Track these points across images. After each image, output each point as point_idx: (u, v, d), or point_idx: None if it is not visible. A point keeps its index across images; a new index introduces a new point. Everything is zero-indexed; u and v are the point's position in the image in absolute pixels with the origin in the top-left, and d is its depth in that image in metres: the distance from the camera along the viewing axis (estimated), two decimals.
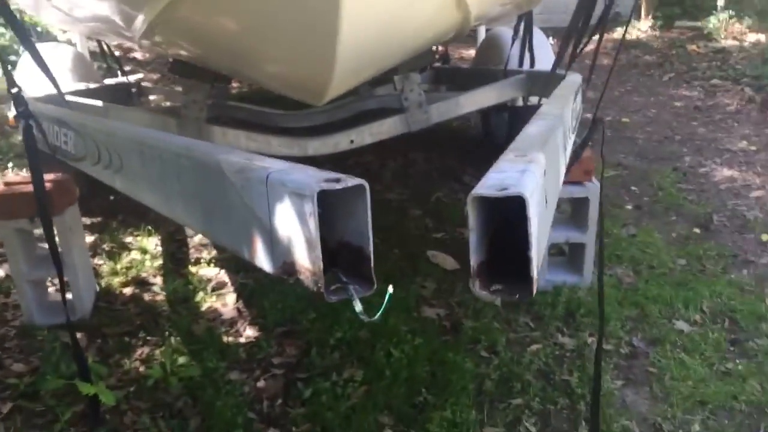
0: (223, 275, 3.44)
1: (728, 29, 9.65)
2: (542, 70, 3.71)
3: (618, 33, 10.46)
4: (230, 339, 2.90)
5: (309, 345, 2.82)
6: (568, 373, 2.68)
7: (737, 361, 2.77)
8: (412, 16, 2.09)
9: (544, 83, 3.55)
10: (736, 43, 9.06)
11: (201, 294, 3.24)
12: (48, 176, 2.93)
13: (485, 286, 1.07)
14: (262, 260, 1.16)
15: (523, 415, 2.46)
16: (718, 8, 10.16)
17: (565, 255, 3.48)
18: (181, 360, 2.66)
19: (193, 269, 3.51)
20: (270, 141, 3.31)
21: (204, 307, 3.15)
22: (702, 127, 5.95)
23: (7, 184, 2.89)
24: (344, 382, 2.55)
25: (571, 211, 3.42)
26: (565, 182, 3.18)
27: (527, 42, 4.01)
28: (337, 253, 1.13)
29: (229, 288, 3.32)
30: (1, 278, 3.42)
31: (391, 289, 1.14)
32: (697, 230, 4.03)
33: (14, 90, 1.88)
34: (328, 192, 1.00)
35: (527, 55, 4.04)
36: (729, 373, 2.70)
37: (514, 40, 4.09)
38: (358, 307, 1.12)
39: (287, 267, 1.11)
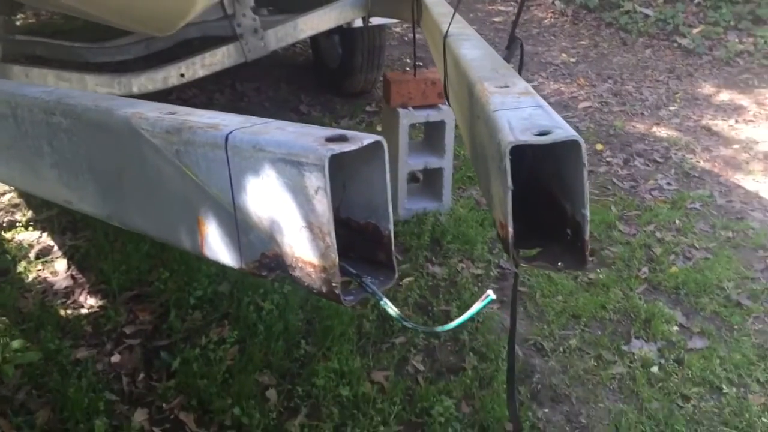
0: (46, 239, 2.99)
1: None
2: None
3: None
4: (69, 312, 2.52)
5: (165, 308, 2.53)
6: (446, 303, 2.62)
7: (597, 270, 2.86)
8: None
9: (388, 3, 3.35)
10: None
11: (23, 264, 2.79)
12: None
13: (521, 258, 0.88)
14: (219, 252, 0.85)
15: (409, 354, 2.37)
16: None
17: (419, 182, 3.39)
18: (15, 344, 2.25)
19: (7, 235, 3.01)
20: (85, 79, 2.87)
21: (30, 278, 2.72)
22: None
23: None
24: (214, 345, 2.31)
25: (425, 138, 3.31)
26: (419, 106, 3.07)
27: None
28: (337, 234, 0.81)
29: (57, 253, 2.89)
30: None
31: (492, 294, 0.86)
32: None
33: None
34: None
35: None
36: (593, 284, 2.77)
37: None
38: (393, 311, 0.85)
39: (268, 261, 0.83)
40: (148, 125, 0.77)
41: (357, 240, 0.80)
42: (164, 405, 2.11)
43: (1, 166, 1.02)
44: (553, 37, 6.38)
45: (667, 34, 6.08)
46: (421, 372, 2.29)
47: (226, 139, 0.77)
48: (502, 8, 7.29)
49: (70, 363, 2.24)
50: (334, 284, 0.78)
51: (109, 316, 2.48)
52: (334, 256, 0.76)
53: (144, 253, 2.77)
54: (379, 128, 4.23)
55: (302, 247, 0.77)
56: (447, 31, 1.70)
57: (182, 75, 3.11)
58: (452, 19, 1.76)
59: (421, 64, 5.64)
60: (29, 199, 3.29)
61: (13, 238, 2.99)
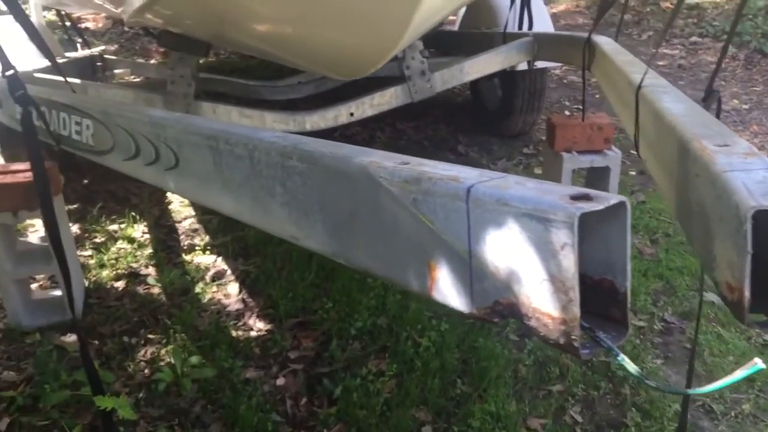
0: (221, 263, 3.21)
1: None
2: (555, 33, 3.53)
3: None
4: (240, 333, 2.69)
5: (326, 336, 2.63)
6: (605, 354, 2.54)
7: None
8: None
9: (555, 47, 3.37)
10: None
11: (200, 285, 3.01)
12: (30, 165, 2.66)
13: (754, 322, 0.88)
14: (449, 295, 0.89)
15: (566, 403, 2.32)
16: None
17: None
18: (193, 360, 2.44)
19: (187, 257, 3.27)
20: (264, 116, 3.09)
21: (205, 299, 2.92)
22: (689, 88, 5.84)
23: None
24: (373, 377, 2.37)
25: (587, 183, 3.26)
26: (584, 151, 3.03)
27: (527, 3, 3.81)
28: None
29: (230, 276, 3.09)
30: None
31: (760, 363, 0.87)
32: None
33: (9, 72, 1.62)
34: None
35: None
36: None
37: (512, 1, 3.87)
38: (633, 368, 0.85)
39: (502, 308, 0.86)
40: (387, 174, 0.83)
41: (590, 294, 0.81)
42: (325, 431, 2.20)
43: (230, 201, 1.13)
44: (723, 83, 6.08)
45: None
46: (579, 423, 2.24)
47: (468, 191, 0.81)
48: (667, 51, 7.05)
49: (240, 382, 2.38)
50: (573, 337, 0.80)
51: (275, 340, 2.61)
52: (576, 311, 0.78)
53: (309, 282, 2.91)
54: (536, 170, 4.21)
55: (542, 298, 0.80)
56: (641, 82, 1.70)
57: (352, 114, 3.28)
58: (647, 71, 1.75)
59: (580, 107, 5.59)
60: (207, 225, 3.55)
61: (192, 260, 3.24)
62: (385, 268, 0.88)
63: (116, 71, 5.64)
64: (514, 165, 4.31)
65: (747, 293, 0.88)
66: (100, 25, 8.66)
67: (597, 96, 5.75)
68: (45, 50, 1.98)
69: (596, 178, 3.11)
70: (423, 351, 2.50)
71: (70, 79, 3.13)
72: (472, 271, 0.81)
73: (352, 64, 2.48)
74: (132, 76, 5.85)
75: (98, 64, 5.11)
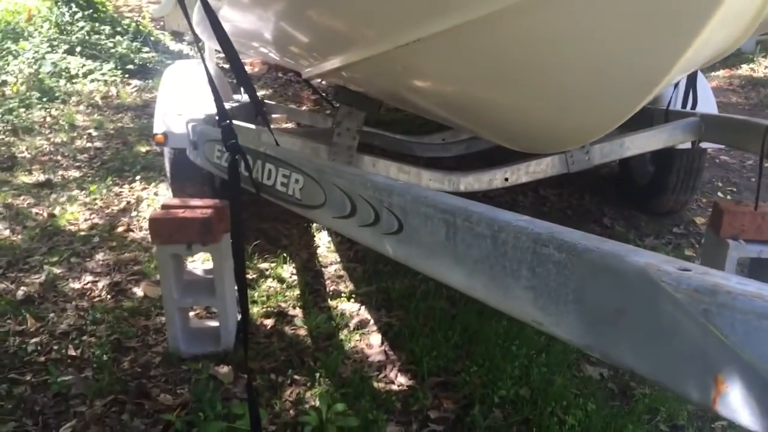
0: (364, 312, 3.28)
1: None
2: (726, 116, 3.42)
3: (743, 69, 9.95)
4: (381, 385, 2.72)
5: (468, 400, 2.62)
6: None
7: None
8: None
9: (722, 129, 3.27)
10: None
11: (345, 332, 3.09)
12: (206, 202, 2.86)
13: None
14: (739, 413, 0.84)
15: None
16: None
17: None
18: (339, 407, 2.49)
19: (332, 303, 3.37)
20: (421, 174, 3.15)
21: (348, 346, 2.99)
22: None
23: (165, 207, 2.82)
24: None
25: (750, 274, 3.10)
26: (751, 240, 2.90)
27: (693, 82, 3.72)
28: None
29: (373, 327, 3.15)
30: (140, 299, 3.36)
31: None
32: None
33: (225, 122, 1.77)
34: None
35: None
36: None
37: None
38: None
39: None
40: (671, 280, 0.84)
41: None
42: None
43: (461, 275, 1.18)
44: None
45: None
46: None
47: None
48: None
49: None
50: None
51: (417, 396, 2.63)
52: None
53: (453, 343, 2.92)
54: (687, 252, 4.06)
55: None
56: None
57: (506, 179, 3.29)
58: None
59: (734, 190, 5.36)
60: (352, 273, 3.65)
61: (337, 306, 3.33)
62: (654, 370, 0.88)
63: (274, 116, 5.98)
64: (664, 244, 4.17)
65: None
66: (256, 69, 9.22)
67: (752, 180, 5.50)
68: (255, 101, 2.13)
69: (761, 269, 2.96)
70: (568, 429, 2.44)
71: (243, 124, 3.36)
72: None
73: (545, 142, 2.51)
74: (289, 123, 6.18)
75: (263, 108, 5.41)
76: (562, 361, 2.83)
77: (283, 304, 3.33)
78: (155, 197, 4.72)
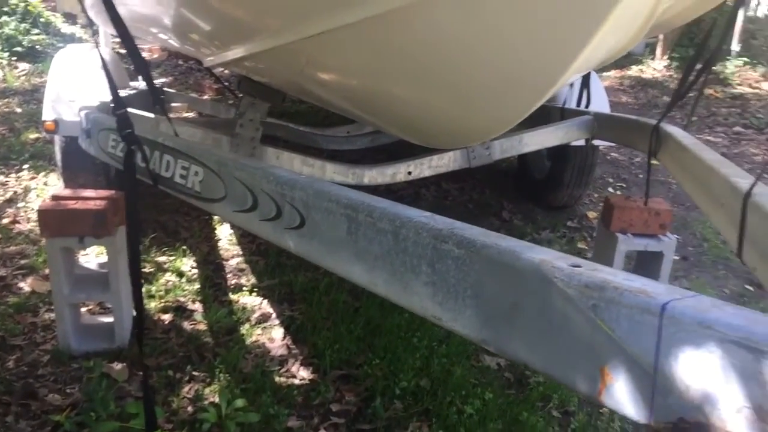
0: (266, 306, 3.24)
1: (742, 76, 9.66)
2: (619, 115, 3.58)
3: (633, 70, 10.44)
4: (282, 380, 2.70)
5: (370, 392, 2.63)
6: None
7: None
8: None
9: (614, 128, 3.42)
10: (752, 90, 9.06)
11: (246, 326, 3.04)
12: (100, 193, 2.74)
13: None
14: (622, 403, 0.88)
15: None
16: (732, 53, 10.17)
17: None
18: (239, 403, 2.45)
19: (233, 297, 3.31)
20: (325, 167, 3.14)
21: (249, 340, 2.95)
22: None
23: (56, 198, 2.68)
24: None
25: (636, 265, 3.27)
26: (638, 234, 3.05)
27: (587, 81, 3.88)
28: None
29: (275, 320, 3.12)
30: (27, 294, 3.19)
31: None
32: (749, 287, 3.91)
33: (121, 110, 1.69)
34: None
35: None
36: None
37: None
38: None
39: (688, 427, 0.84)
40: (563, 276, 0.86)
41: None
42: None
43: (362, 271, 1.17)
44: (766, 176, 6.08)
45: None
46: None
47: (663, 308, 0.82)
48: (710, 138, 7.09)
49: (283, 430, 2.39)
50: None
51: (318, 390, 2.62)
52: None
53: (355, 336, 2.93)
54: (580, 245, 4.23)
55: (739, 425, 0.81)
56: (751, 190, 1.73)
57: (409, 173, 3.33)
58: (757, 180, 1.78)
59: (624, 186, 5.63)
60: (254, 266, 3.60)
61: (239, 300, 3.27)
62: (546, 363, 0.91)
63: (174, 104, 5.80)
64: (558, 237, 4.33)
65: None
66: (156, 56, 8.90)
67: (640, 176, 5.79)
68: (153, 89, 2.05)
69: (647, 262, 3.13)
70: (466, 419, 2.50)
71: (140, 112, 3.24)
72: (655, 384, 0.81)
73: (447, 138, 2.54)
74: (189, 112, 6.01)
75: (162, 96, 5.24)
76: (461, 352, 2.89)
77: (182, 299, 3.24)
78: (45, 187, 4.49)
